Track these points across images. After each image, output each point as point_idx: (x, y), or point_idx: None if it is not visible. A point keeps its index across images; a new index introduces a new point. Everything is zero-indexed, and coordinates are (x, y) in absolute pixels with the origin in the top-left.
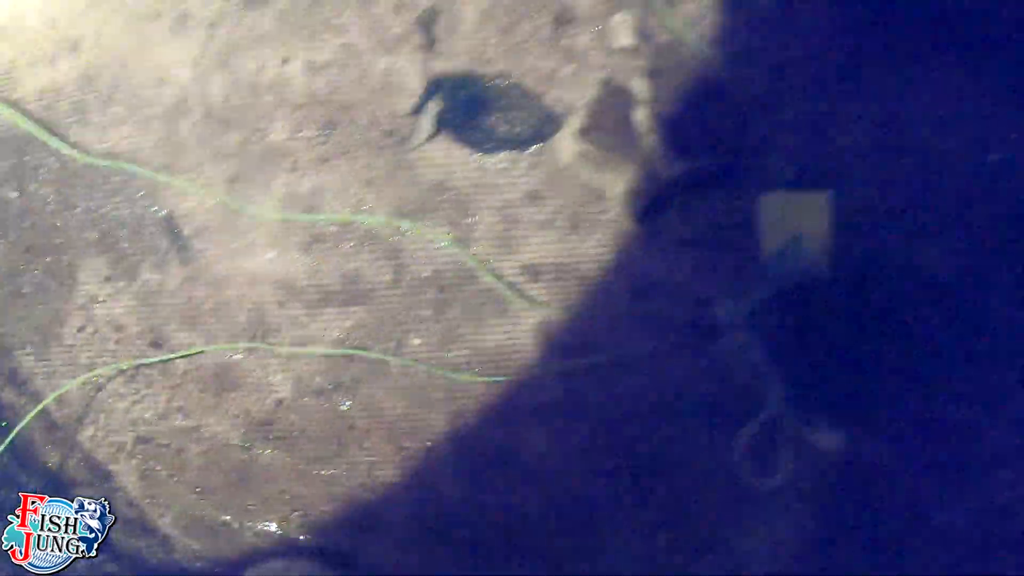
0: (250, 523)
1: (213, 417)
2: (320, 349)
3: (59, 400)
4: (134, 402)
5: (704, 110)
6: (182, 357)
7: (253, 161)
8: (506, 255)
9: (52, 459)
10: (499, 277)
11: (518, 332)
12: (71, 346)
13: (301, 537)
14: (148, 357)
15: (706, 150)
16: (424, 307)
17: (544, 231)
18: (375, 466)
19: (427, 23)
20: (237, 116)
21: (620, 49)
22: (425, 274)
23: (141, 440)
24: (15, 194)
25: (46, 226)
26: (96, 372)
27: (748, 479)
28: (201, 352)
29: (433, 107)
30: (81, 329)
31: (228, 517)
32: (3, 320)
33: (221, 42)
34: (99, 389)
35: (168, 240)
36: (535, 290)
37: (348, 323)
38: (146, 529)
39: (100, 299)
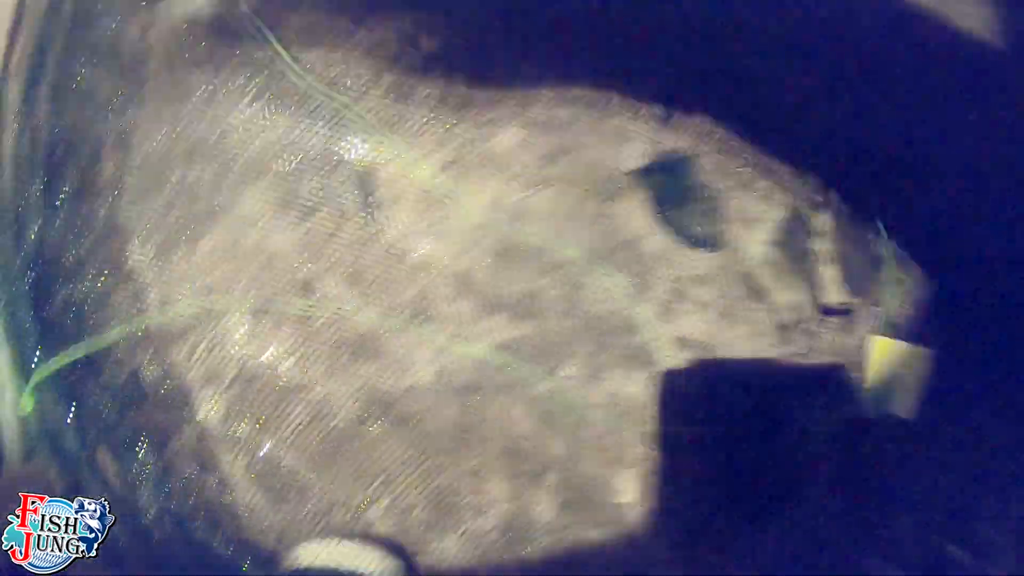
0: (328, 494)
1: (336, 380)
2: (480, 350)
3: (163, 308)
4: (252, 338)
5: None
6: (339, 314)
7: (473, 157)
8: (664, 322)
9: (128, 368)
10: (658, 339)
11: (653, 391)
12: (198, 260)
13: (376, 522)
14: (293, 299)
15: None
16: (586, 343)
17: (701, 312)
18: (480, 474)
19: (668, 99)
20: (474, 110)
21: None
22: (596, 314)
23: (243, 379)
24: (211, 83)
25: (227, 128)
26: (238, 299)
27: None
28: (353, 314)
29: (649, 178)
30: (222, 247)
31: (307, 480)
32: (134, 209)
33: (478, 33)
34: (218, 313)
35: (360, 194)
36: (678, 360)
37: (512, 335)
38: (207, 467)
39: (258, 223)
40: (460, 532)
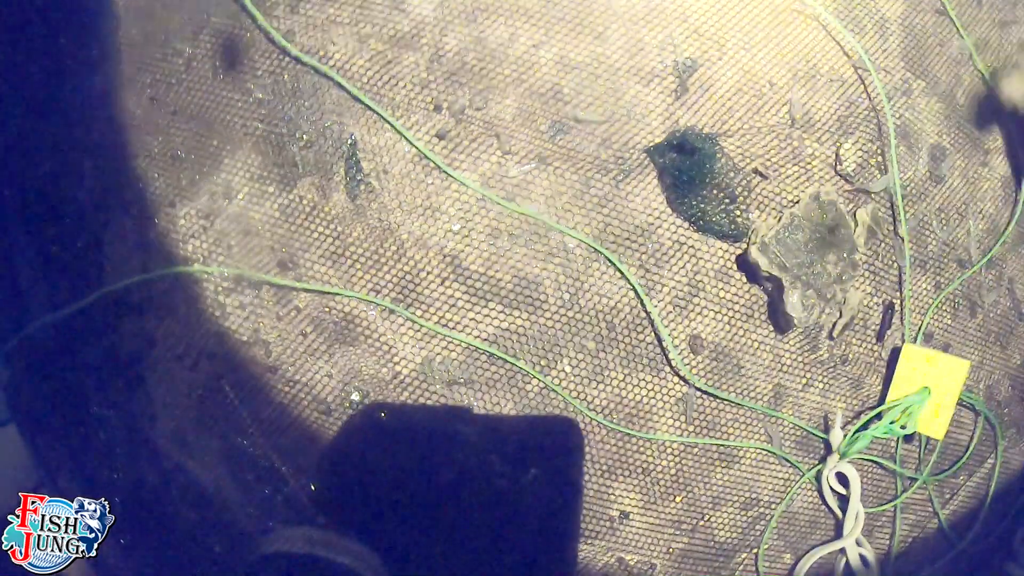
0: (298, 482)
1: (314, 362)
2: (471, 339)
3: (139, 276)
4: (225, 315)
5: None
6: (320, 292)
7: (469, 126)
8: (680, 318)
9: (99, 337)
10: (671, 339)
11: (661, 396)
12: (176, 229)
13: (347, 517)
14: (271, 275)
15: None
16: (588, 338)
17: (720, 309)
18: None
19: (684, 71)
20: (467, 76)
21: (843, 173)
22: (600, 308)
23: (218, 357)
24: (188, 49)
25: (205, 95)
26: (217, 269)
27: None
28: (339, 294)
29: (670, 159)
30: (201, 217)
31: (279, 465)
32: (110, 178)
33: None
34: (196, 283)
35: (344, 167)
36: (692, 362)
37: (505, 325)
38: (179, 447)
39: (238, 195)
40: (436, 536)
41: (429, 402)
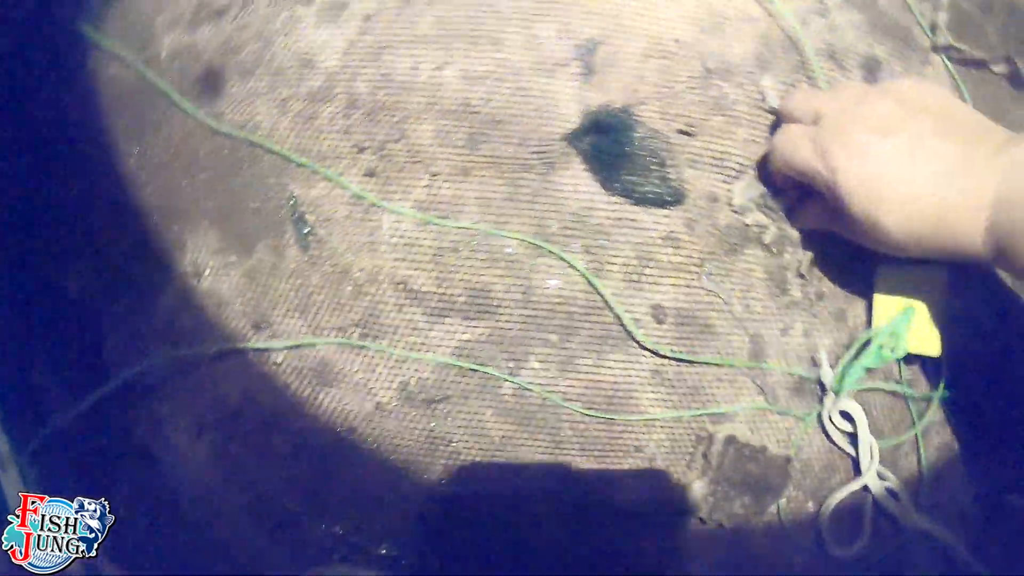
0: (320, 521)
1: (304, 410)
2: (437, 357)
3: (132, 365)
4: (215, 383)
5: None
6: (295, 346)
7: (393, 159)
8: (635, 292)
9: (108, 427)
10: (628, 315)
11: (634, 373)
12: (160, 314)
13: (369, 543)
14: (253, 339)
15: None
16: (550, 332)
17: (676, 274)
18: (461, 481)
19: (586, 53)
20: (383, 112)
21: (769, 109)
22: (555, 300)
23: (212, 425)
24: (136, 148)
25: (159, 186)
26: (212, 348)
27: (830, 544)
28: (312, 345)
29: (589, 141)
30: (179, 298)
31: (299, 510)
32: (90, 283)
33: (375, 36)
34: (184, 360)
35: (291, 224)
36: (658, 333)
37: (467, 336)
38: (196, 506)
39: (206, 271)
40: (455, 542)
41: (414, 425)
